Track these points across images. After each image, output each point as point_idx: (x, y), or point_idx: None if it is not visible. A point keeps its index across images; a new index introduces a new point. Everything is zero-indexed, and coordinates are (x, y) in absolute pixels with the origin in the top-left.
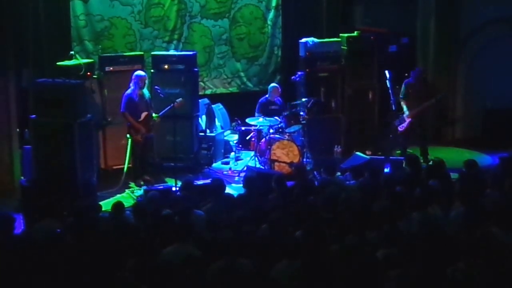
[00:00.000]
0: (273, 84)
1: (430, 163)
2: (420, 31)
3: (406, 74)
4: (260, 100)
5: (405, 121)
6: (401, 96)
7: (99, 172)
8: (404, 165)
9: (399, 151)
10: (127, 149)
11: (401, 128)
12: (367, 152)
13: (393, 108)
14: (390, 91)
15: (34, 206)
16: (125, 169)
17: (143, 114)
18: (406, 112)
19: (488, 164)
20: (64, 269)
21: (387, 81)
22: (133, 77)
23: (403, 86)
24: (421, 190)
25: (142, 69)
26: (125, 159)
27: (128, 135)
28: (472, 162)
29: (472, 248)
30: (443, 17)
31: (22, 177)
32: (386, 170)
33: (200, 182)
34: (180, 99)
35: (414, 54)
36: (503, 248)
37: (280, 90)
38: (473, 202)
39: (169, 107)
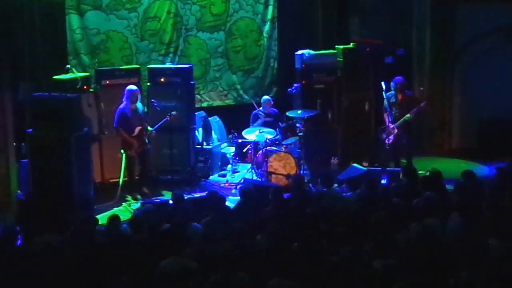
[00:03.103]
0: (265, 97)
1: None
2: (415, 42)
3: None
4: (253, 112)
5: (391, 133)
6: (384, 109)
7: (95, 185)
8: (401, 177)
9: (393, 163)
10: (122, 163)
11: (388, 141)
12: (364, 164)
13: (389, 120)
14: (385, 102)
15: (31, 220)
16: (120, 182)
17: (137, 129)
18: (390, 125)
19: (485, 175)
20: (61, 282)
21: (383, 92)
22: (125, 92)
23: (385, 98)
24: (419, 201)
25: (136, 83)
26: (120, 172)
27: (122, 150)
28: (470, 172)
29: (470, 259)
30: (438, 27)
31: (19, 191)
32: (383, 181)
33: (197, 195)
34: (175, 112)
35: (410, 65)
36: (500, 259)
37: (272, 102)
38: (470, 213)
39: (163, 120)
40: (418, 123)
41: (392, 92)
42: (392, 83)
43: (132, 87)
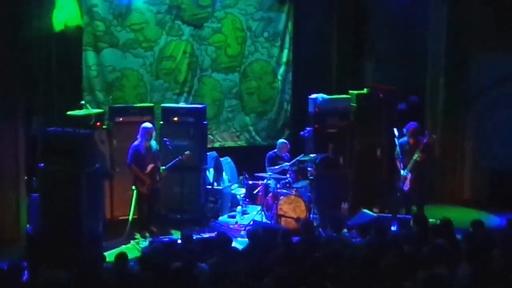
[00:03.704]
0: (282, 140)
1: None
2: (429, 88)
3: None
4: (268, 154)
5: (406, 179)
6: (396, 156)
7: (105, 222)
8: (411, 224)
9: (404, 210)
10: (132, 200)
11: (405, 187)
12: (374, 210)
13: (401, 167)
14: (398, 149)
15: (39, 255)
16: (129, 220)
17: (150, 166)
18: (402, 172)
19: (496, 225)
20: None
21: (395, 139)
22: (140, 129)
23: (397, 145)
24: (428, 249)
25: (150, 121)
26: (130, 209)
27: (133, 187)
28: (479, 222)
29: None
30: (452, 75)
31: (28, 225)
32: (393, 228)
33: (206, 235)
34: (187, 152)
35: (423, 112)
36: None
37: (289, 146)
38: (480, 263)
39: (176, 159)
40: (429, 166)
41: (405, 138)
42: (405, 128)
43: (147, 124)
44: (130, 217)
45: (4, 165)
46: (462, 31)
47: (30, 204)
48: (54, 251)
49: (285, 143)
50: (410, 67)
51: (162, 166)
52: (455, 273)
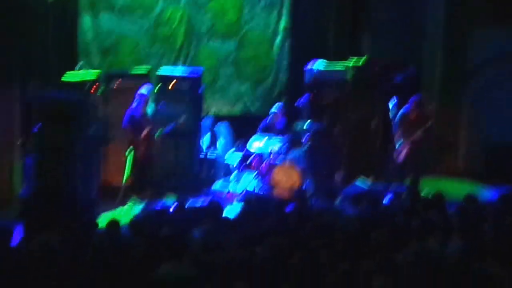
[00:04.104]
0: (274, 109)
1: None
2: (426, 63)
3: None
4: (262, 124)
5: (402, 151)
6: (395, 126)
7: (99, 187)
8: (404, 196)
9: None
10: (127, 165)
11: (400, 159)
12: (368, 181)
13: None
14: (393, 120)
15: (32, 219)
16: (123, 185)
17: (145, 131)
18: (400, 142)
19: (488, 199)
20: (60, 283)
21: (391, 110)
22: (137, 95)
23: (398, 115)
24: (419, 222)
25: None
26: (124, 175)
27: (128, 152)
28: (472, 196)
29: (469, 283)
30: (450, 50)
31: (22, 189)
32: (386, 200)
33: (198, 203)
34: (183, 118)
35: (419, 85)
36: (500, 284)
37: (280, 114)
38: (471, 237)
39: (171, 126)
40: (425, 143)
41: (408, 108)
42: (410, 100)
43: (144, 90)
44: (124, 181)
45: None
46: (461, 6)
47: (24, 168)
48: (47, 216)
49: (276, 112)
50: (408, 41)
51: (157, 132)
52: (446, 247)
